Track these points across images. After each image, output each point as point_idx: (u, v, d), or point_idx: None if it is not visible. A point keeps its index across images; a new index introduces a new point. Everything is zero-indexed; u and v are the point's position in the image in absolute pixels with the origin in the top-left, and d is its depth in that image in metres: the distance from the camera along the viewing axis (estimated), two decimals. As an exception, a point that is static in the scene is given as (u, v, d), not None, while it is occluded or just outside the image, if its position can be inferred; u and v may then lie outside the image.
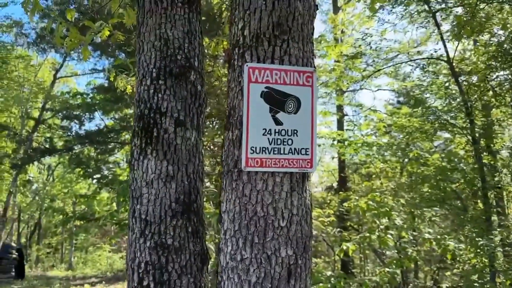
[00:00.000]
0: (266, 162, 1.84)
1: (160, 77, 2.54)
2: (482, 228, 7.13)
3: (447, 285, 12.46)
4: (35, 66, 19.84)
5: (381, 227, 8.53)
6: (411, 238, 8.99)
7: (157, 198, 2.42)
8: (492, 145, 8.17)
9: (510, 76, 8.09)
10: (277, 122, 1.85)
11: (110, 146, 9.07)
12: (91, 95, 11.30)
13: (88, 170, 10.14)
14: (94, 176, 10.55)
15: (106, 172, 10.96)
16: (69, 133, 8.83)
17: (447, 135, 13.28)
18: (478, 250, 7.39)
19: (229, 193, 1.94)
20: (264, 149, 1.84)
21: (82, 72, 21.21)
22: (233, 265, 1.89)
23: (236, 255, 1.89)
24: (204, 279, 2.46)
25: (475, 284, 6.34)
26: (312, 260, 2.03)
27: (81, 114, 8.87)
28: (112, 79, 4.64)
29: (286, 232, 1.88)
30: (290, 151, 1.86)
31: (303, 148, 1.87)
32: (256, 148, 1.84)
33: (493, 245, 6.36)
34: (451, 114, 7.25)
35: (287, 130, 1.86)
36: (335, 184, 17.96)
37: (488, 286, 6.65)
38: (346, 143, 11.92)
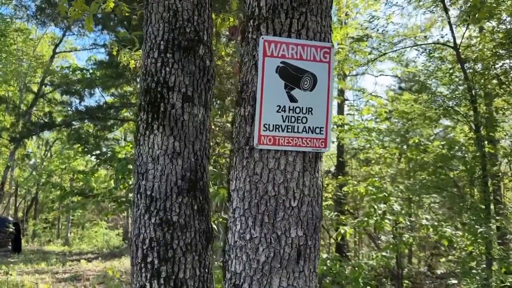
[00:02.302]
0: (279, 140, 1.79)
1: (168, 50, 2.46)
2: (480, 216, 7.14)
3: (442, 271, 12.59)
4: (34, 40, 19.56)
5: (379, 212, 8.54)
6: (408, 223, 9.03)
7: (163, 175, 2.36)
8: (493, 134, 8.13)
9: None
10: (292, 99, 1.79)
11: (109, 123, 8.99)
12: (91, 71, 11.15)
13: (87, 146, 10.05)
14: (93, 153, 10.47)
15: (105, 149, 10.89)
16: (69, 108, 8.73)
17: (447, 122, 13.25)
18: (475, 238, 7.42)
19: (239, 171, 1.88)
20: (277, 126, 1.78)
21: (82, 48, 20.96)
22: (242, 244, 1.85)
23: (245, 234, 1.84)
24: (208, 257, 2.43)
25: (473, 270, 6.38)
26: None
27: (81, 89, 8.76)
28: (115, 53, 4.54)
29: (297, 213, 1.84)
30: (304, 129, 1.80)
31: (318, 127, 1.82)
32: (269, 125, 1.78)
33: (492, 232, 6.37)
34: (456, 101, 7.18)
35: (302, 107, 1.80)
36: (332, 169, 17.97)
37: (483, 273, 6.69)
38: (346, 127, 11.86)
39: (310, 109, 1.80)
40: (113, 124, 9.23)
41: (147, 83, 2.49)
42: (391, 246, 8.74)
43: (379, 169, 11.06)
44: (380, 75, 23.43)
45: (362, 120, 11.86)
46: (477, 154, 7.45)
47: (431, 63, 8.26)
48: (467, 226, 7.99)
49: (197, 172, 2.44)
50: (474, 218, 7.13)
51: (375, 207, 8.68)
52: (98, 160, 11.35)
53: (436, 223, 7.84)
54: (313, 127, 1.81)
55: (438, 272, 12.48)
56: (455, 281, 9.79)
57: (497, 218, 6.77)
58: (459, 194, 10.26)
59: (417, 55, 8.43)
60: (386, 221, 8.36)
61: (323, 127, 1.82)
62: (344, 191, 12.02)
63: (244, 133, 1.87)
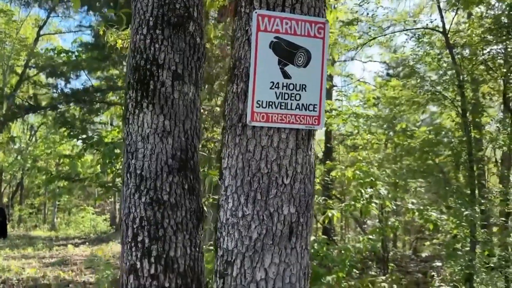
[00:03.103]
0: (272, 117, 1.77)
1: (157, 26, 2.41)
2: (466, 200, 7.26)
3: (426, 254, 12.84)
4: (17, 22, 19.07)
5: (366, 196, 8.62)
6: (394, 208, 9.14)
7: (153, 154, 2.33)
8: (479, 120, 8.23)
9: (503, 50, 8.07)
10: (286, 76, 1.76)
11: (96, 106, 8.84)
12: (76, 53, 10.92)
13: (73, 130, 9.90)
14: (80, 137, 10.32)
15: (91, 133, 10.73)
16: (54, 91, 8.54)
17: (434, 108, 13.37)
18: (460, 221, 7.56)
19: (231, 148, 1.87)
20: (270, 103, 1.76)
21: (67, 30, 20.50)
22: (234, 222, 1.85)
23: (238, 212, 1.84)
24: (199, 237, 2.42)
25: (459, 252, 6.51)
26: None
27: (67, 72, 8.57)
28: (101, 33, 4.44)
29: (289, 190, 1.83)
30: (298, 106, 1.79)
31: (311, 104, 1.80)
32: (262, 102, 1.76)
33: (477, 215, 6.49)
34: (444, 85, 7.23)
35: (296, 84, 1.78)
36: (320, 154, 18.05)
37: (468, 255, 6.83)
38: (334, 112, 11.87)
39: (303, 86, 1.78)
40: (99, 108, 9.08)
41: (135, 60, 2.44)
42: (377, 230, 8.86)
43: (366, 155, 11.14)
44: (369, 61, 23.50)
45: (350, 106, 11.90)
46: (464, 139, 7.54)
47: (420, 48, 8.28)
48: (452, 209, 8.13)
49: (187, 151, 2.42)
50: (459, 202, 7.25)
51: (362, 191, 8.76)
52: (84, 145, 11.19)
53: (421, 207, 7.96)
54: (306, 104, 1.79)
55: (423, 255, 12.72)
56: (439, 264, 10.00)
57: (482, 201, 6.89)
58: (444, 179, 10.42)
59: (406, 39, 8.46)
60: (373, 205, 8.46)
61: (316, 104, 1.80)
62: (331, 176, 12.10)
63: (237, 110, 1.84)
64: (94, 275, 12.87)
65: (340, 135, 17.14)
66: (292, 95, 1.77)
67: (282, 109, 1.77)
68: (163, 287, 2.24)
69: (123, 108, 12.50)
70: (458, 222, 7.47)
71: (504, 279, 7.28)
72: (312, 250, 8.00)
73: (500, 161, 10.06)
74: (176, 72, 2.40)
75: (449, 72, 7.31)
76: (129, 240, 2.30)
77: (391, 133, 12.21)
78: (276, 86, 1.76)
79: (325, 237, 10.25)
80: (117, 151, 9.95)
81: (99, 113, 10.08)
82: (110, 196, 24.12)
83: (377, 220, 9.71)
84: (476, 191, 8.10)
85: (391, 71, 21.00)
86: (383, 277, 8.81)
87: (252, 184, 1.81)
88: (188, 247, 2.34)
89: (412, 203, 8.73)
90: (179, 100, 2.40)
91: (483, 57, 8.33)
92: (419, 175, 10.24)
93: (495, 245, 8.16)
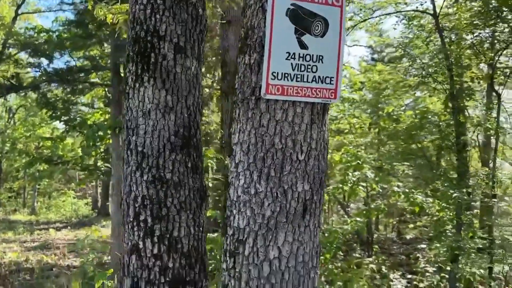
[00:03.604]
0: (287, 90, 1.68)
1: (158, -5, 2.28)
2: (452, 183, 7.35)
3: (410, 237, 13.06)
4: (-7, 0, 18.32)
5: (353, 179, 8.66)
6: (380, 191, 9.23)
7: (154, 130, 2.23)
8: (467, 104, 8.30)
9: (491, 34, 8.09)
10: (302, 46, 1.68)
11: (80, 87, 8.56)
12: (57, 33, 10.52)
13: (56, 111, 9.62)
14: (62, 119, 10.06)
15: (74, 115, 10.46)
16: (37, 70, 8.23)
17: (418, 93, 13.46)
18: (445, 205, 7.66)
19: (243, 123, 1.78)
20: (286, 75, 1.68)
21: (47, 9, 19.80)
22: (246, 199, 1.77)
23: (250, 189, 1.76)
24: (202, 216, 2.35)
25: (449, 233, 6.60)
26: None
27: (50, 50, 8.23)
28: (90, 7, 4.25)
29: (303, 166, 1.76)
30: (314, 79, 1.71)
31: (328, 77, 1.72)
32: (277, 73, 1.67)
33: (465, 197, 6.58)
34: (435, 68, 7.23)
35: (312, 55, 1.69)
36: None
37: (454, 236, 6.94)
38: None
39: (320, 57, 1.70)
40: (83, 89, 8.81)
41: (135, 31, 2.31)
42: (363, 212, 8.93)
43: (353, 138, 11.18)
44: (354, 45, 23.47)
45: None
46: (451, 123, 7.59)
47: (410, 31, 8.25)
48: (439, 192, 8.23)
49: (190, 128, 2.32)
50: (446, 184, 7.33)
51: (350, 174, 8.79)
52: (67, 127, 10.93)
53: (407, 190, 8.04)
54: (323, 77, 1.71)
55: (408, 237, 12.93)
56: (424, 246, 10.17)
57: (470, 184, 6.98)
58: (428, 163, 10.54)
59: (396, 22, 8.41)
60: (360, 187, 8.51)
61: (333, 77, 1.73)
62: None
63: (249, 82, 1.75)
64: (77, 259, 12.73)
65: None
66: (309, 66, 1.69)
67: (298, 81, 1.68)
68: (167, 267, 2.17)
69: (106, 89, 12.14)
70: (444, 205, 7.57)
71: (488, 260, 7.44)
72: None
73: (481, 145, 10.21)
74: (178, 45, 2.29)
75: (439, 56, 7.31)
76: (131, 219, 2.21)
77: (375, 117, 12.25)
78: (292, 56, 1.68)
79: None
80: (101, 133, 9.74)
81: (83, 94, 9.79)
82: (91, 180, 23.77)
83: (362, 203, 9.79)
84: (461, 175, 8.19)
85: (376, 56, 21.05)
86: (370, 259, 8.93)
87: (265, 160, 1.74)
88: (192, 227, 2.26)
89: (398, 186, 8.80)
90: (181, 74, 2.30)
91: (471, 41, 8.35)
92: (405, 158, 10.33)
93: (476, 227, 8.32)
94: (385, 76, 12.19)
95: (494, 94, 8.27)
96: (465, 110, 8.60)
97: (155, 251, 2.17)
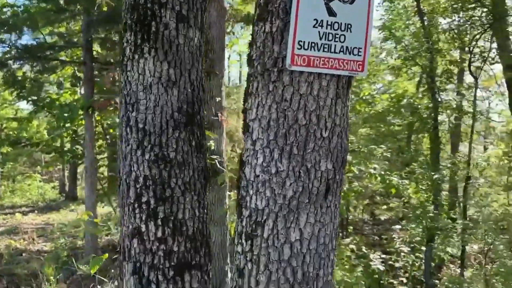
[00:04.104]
0: (314, 61, 1.56)
1: (159, -42, 2.09)
2: (429, 164, 7.46)
3: (384, 218, 13.34)
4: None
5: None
6: (357, 173, 9.31)
7: (156, 106, 2.07)
8: (443, 87, 8.41)
9: (469, 19, 8.18)
10: (331, 13, 1.55)
11: (51, 64, 8.08)
12: (22, 7, 9.90)
13: (24, 91, 9.10)
14: (30, 98, 9.56)
15: (43, 95, 9.95)
16: (4, 45, 7.69)
17: (389, 77, 13.62)
18: (421, 186, 7.81)
19: (262, 97, 1.65)
20: (313, 44, 1.55)
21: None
22: (265, 179, 1.66)
23: (270, 168, 1.65)
24: (206, 197, 2.22)
25: (430, 214, 6.72)
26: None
27: (19, 24, 7.69)
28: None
29: (327, 144, 1.66)
30: (342, 49, 1.59)
31: (356, 48, 1.61)
32: (304, 43, 1.55)
33: (446, 178, 6.70)
34: (416, 51, 7.26)
35: (341, 23, 1.57)
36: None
37: (432, 217, 7.08)
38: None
39: (349, 26, 1.58)
40: (55, 66, 8.34)
41: (134, -3, 2.11)
42: (341, 193, 8.93)
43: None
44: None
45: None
46: (430, 105, 7.68)
47: (390, 15, 8.23)
48: (415, 174, 8.37)
49: (194, 104, 2.17)
50: (424, 166, 7.44)
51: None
52: (34, 107, 10.43)
53: (383, 172, 8.13)
54: (351, 48, 1.60)
55: (382, 218, 13.19)
56: (398, 226, 10.39)
57: (449, 166, 7.11)
58: (400, 147, 10.71)
59: (378, 3, 8.37)
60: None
61: (361, 48, 1.62)
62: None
63: (271, 53, 1.62)
64: (47, 244, 12.37)
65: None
66: (337, 35, 1.57)
67: (325, 51, 1.57)
68: (172, 251, 2.04)
69: (74, 68, 11.61)
70: (421, 187, 7.72)
71: (462, 239, 7.67)
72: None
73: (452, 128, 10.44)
74: (180, 13, 2.12)
75: (422, 38, 7.33)
76: (131, 201, 2.06)
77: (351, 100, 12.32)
78: (320, 24, 1.55)
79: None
80: (72, 113, 9.32)
81: (55, 72, 9.28)
82: (58, 163, 23.04)
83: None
84: (437, 157, 8.33)
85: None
86: (348, 240, 9.03)
87: (288, 137, 1.62)
88: (196, 208, 2.13)
89: (374, 169, 8.89)
90: (184, 46, 2.13)
91: (448, 25, 8.43)
92: (380, 142, 10.45)
93: (448, 208, 8.54)
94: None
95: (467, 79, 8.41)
96: (440, 94, 8.73)
97: (159, 234, 2.03)
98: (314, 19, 1.54)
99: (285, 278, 1.65)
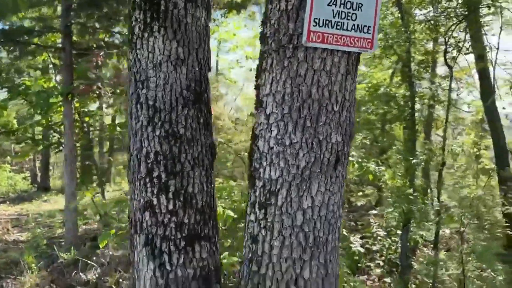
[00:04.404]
0: (328, 38, 1.66)
1: None
2: (407, 152, 7.72)
3: (361, 204, 13.67)
4: None
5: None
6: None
7: (166, 83, 2.13)
8: (421, 76, 8.67)
9: (444, 11, 8.43)
10: (344, -8, 1.66)
11: (28, 50, 7.85)
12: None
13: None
14: (5, 85, 9.29)
15: (18, 81, 9.69)
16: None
17: (363, 68, 13.89)
18: (398, 173, 8.08)
19: (277, 73, 1.75)
20: (327, 22, 1.65)
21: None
22: (279, 150, 1.76)
23: (284, 140, 1.75)
24: (213, 173, 2.30)
25: (411, 197, 6.97)
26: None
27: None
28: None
29: (337, 118, 1.77)
30: (353, 27, 1.70)
31: (366, 26, 1.72)
32: (319, 20, 1.64)
33: (423, 164, 6.96)
34: (395, 40, 7.47)
35: (353, 2, 1.68)
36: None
37: (410, 202, 7.35)
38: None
39: (360, 5, 1.69)
40: (32, 51, 8.13)
41: (143, -23, 2.16)
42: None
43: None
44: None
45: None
46: (407, 94, 7.93)
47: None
48: (391, 161, 8.64)
49: (201, 83, 2.24)
50: (402, 153, 7.69)
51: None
52: (10, 94, 10.13)
53: (360, 159, 8.37)
54: (361, 26, 1.71)
55: (359, 204, 13.49)
56: (375, 212, 10.70)
57: (426, 152, 7.38)
58: (374, 136, 11.00)
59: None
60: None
61: (370, 26, 1.73)
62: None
63: (286, 30, 1.71)
64: (23, 234, 12.13)
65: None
66: (349, 14, 1.68)
67: (338, 29, 1.67)
68: (183, 222, 2.12)
69: (49, 54, 11.28)
70: (398, 173, 7.99)
71: (436, 223, 7.99)
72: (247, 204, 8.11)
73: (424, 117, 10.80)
74: (188, -7, 2.17)
75: (401, 28, 7.54)
76: (143, 175, 2.13)
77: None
78: (334, 3, 1.65)
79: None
80: (51, 100, 9.14)
81: (33, 58, 9.03)
82: (31, 153, 22.49)
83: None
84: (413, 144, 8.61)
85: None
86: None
87: (301, 111, 1.72)
88: (205, 183, 2.21)
89: (352, 156, 9.10)
90: (191, 25, 2.19)
91: (424, 16, 8.66)
92: (358, 130, 10.69)
93: (423, 193, 8.86)
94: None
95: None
96: (417, 83, 9.00)
97: (170, 207, 2.10)
98: (329, -2, 1.64)
99: (298, 243, 1.77)
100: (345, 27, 1.68)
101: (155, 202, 2.10)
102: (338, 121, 1.77)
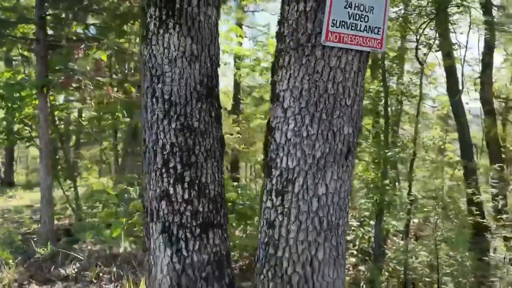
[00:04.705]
0: (343, 38, 1.82)
1: None
2: (381, 145, 8.04)
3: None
4: None
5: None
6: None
7: (181, 78, 2.23)
8: (394, 73, 9.00)
9: (417, 9, 8.77)
10: (358, -4, 1.81)
11: (2, 41, 7.60)
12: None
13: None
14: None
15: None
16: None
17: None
18: (372, 166, 8.41)
19: (295, 70, 1.88)
20: (343, 23, 1.80)
21: None
22: (297, 141, 1.90)
23: (301, 132, 1.89)
24: (223, 164, 2.42)
25: (387, 188, 7.27)
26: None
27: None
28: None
29: (349, 111, 1.93)
30: (366, 28, 1.85)
31: (376, 27, 1.88)
32: (336, 21, 1.79)
33: (398, 156, 7.27)
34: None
35: (366, 5, 1.83)
36: (228, 107, 18.18)
37: (382, 193, 7.67)
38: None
39: (372, 8, 1.85)
40: (8, 43, 7.86)
41: (157, -25, 2.24)
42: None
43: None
44: (275, 14, 23.75)
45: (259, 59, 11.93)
46: (381, 90, 8.23)
47: None
48: (368, 153, 8.96)
49: (213, 78, 2.35)
50: (375, 146, 8.01)
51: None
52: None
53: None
54: (372, 27, 1.87)
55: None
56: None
57: (399, 144, 7.72)
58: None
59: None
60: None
61: (380, 28, 1.89)
62: (242, 127, 12.45)
63: (305, 30, 1.85)
64: (-11, 230, 11.79)
65: (248, 87, 17.42)
66: (362, 16, 1.83)
67: (353, 30, 1.82)
68: (197, 211, 2.23)
69: (18, 46, 10.98)
70: (371, 166, 8.31)
71: (407, 213, 8.38)
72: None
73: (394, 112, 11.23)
74: (201, -8, 2.27)
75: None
76: (159, 166, 2.22)
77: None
78: (350, 5, 1.80)
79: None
80: (23, 93, 8.92)
81: (11, 49, 8.73)
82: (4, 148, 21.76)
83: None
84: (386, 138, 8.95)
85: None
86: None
87: (318, 105, 1.87)
88: (216, 173, 2.33)
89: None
90: (204, 22, 2.30)
91: (396, 13, 8.97)
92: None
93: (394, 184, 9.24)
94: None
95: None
96: (390, 78, 9.35)
97: (186, 196, 2.21)
98: (345, 1, 1.79)
99: (313, 227, 1.92)
100: (358, 28, 1.83)
101: (171, 191, 2.21)
102: (350, 114, 1.93)
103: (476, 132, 14.85)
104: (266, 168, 2.02)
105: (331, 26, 1.77)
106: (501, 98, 14.80)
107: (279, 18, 1.97)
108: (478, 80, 13.08)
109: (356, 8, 1.81)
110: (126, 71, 9.37)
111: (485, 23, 10.83)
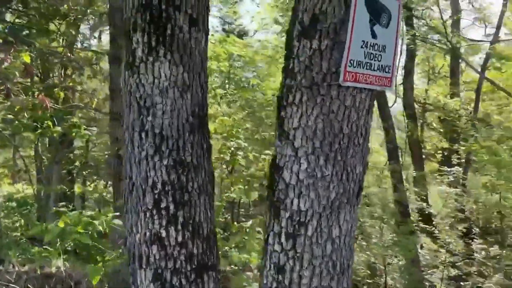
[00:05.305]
0: (359, 77, 1.76)
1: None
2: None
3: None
4: None
5: (232, 149, 9.04)
6: (252, 159, 9.83)
7: (173, 110, 2.04)
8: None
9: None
10: (373, 35, 1.76)
11: None
12: None
13: None
14: None
15: None
16: None
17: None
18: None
19: (308, 108, 1.80)
20: (359, 63, 1.75)
21: None
22: (309, 182, 1.82)
23: (316, 172, 1.81)
24: (214, 198, 2.27)
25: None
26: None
27: None
28: None
29: (361, 150, 1.89)
30: (378, 67, 1.82)
31: (387, 66, 1.85)
32: (354, 61, 1.73)
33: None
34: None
35: (379, 45, 1.80)
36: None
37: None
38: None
39: (384, 47, 1.81)
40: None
41: (145, -3, 2.03)
42: (240, 180, 9.47)
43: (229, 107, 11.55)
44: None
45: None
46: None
47: None
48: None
49: (203, 106, 2.19)
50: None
51: (227, 144, 9.12)
52: None
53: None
54: (384, 66, 1.84)
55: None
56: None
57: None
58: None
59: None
60: (239, 156, 8.95)
61: (390, 66, 1.87)
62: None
63: (319, 68, 1.77)
64: None
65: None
66: (376, 55, 1.79)
67: (367, 69, 1.78)
68: (192, 254, 2.06)
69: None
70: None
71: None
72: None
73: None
74: (192, 17, 2.10)
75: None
76: (149, 207, 2.01)
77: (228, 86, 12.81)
78: (365, 45, 1.75)
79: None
80: None
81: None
82: None
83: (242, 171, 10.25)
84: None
85: (226, 27, 21.51)
86: (251, 221, 9.47)
87: (333, 145, 1.80)
88: (209, 210, 2.17)
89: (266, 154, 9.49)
90: (195, 49, 2.13)
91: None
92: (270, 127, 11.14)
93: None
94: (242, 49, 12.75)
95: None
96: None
97: (180, 238, 2.03)
98: (362, 41, 1.74)
99: (327, 271, 1.85)
100: (372, 67, 1.79)
101: (163, 234, 2.01)
102: (361, 153, 1.88)
103: (399, 135, 15.84)
104: (273, 209, 1.92)
105: (349, 66, 1.71)
106: (421, 102, 15.94)
107: (287, 52, 1.87)
108: (401, 86, 13.97)
109: (371, 48, 1.77)
110: (55, 76, 8.64)
111: (408, 33, 11.58)
